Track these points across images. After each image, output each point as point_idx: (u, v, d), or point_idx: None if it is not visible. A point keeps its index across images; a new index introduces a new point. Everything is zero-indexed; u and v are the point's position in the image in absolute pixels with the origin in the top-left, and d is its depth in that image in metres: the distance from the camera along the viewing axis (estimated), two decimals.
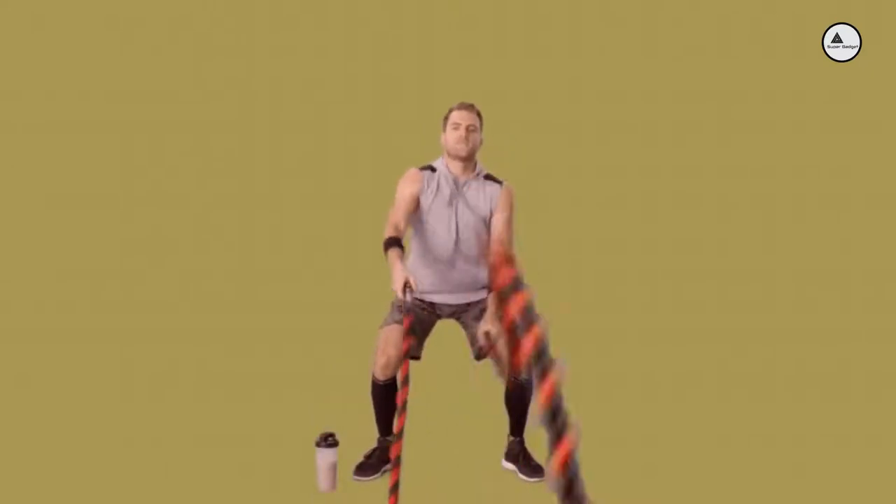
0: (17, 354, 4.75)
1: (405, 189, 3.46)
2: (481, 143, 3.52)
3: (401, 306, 3.47)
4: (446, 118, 3.50)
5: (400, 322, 3.43)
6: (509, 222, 3.50)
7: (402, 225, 3.39)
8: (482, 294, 3.56)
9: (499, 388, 3.60)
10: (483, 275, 3.55)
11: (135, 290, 5.35)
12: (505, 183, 3.54)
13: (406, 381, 2.97)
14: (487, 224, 3.50)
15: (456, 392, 4.31)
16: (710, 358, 4.84)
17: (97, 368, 4.62)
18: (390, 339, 3.41)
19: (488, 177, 3.55)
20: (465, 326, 3.58)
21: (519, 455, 3.54)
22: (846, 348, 4.93)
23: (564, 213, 5.58)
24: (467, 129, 3.44)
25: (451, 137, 3.46)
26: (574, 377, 4.67)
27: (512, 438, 3.59)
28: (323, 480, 3.32)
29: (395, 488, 2.90)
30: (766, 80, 5.62)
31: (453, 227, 3.46)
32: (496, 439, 3.66)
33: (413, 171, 3.50)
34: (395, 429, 2.97)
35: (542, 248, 5.40)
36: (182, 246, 5.50)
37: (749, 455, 3.70)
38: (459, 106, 3.48)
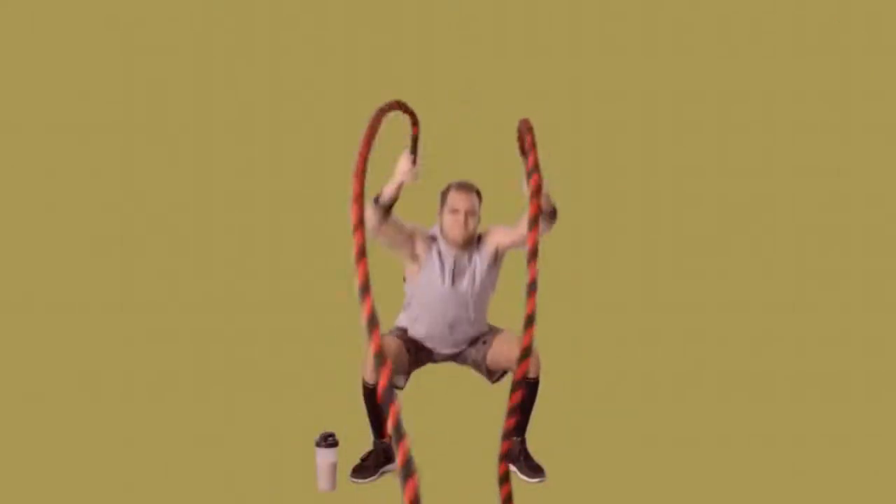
0: (18, 354, 4.75)
1: (414, 226, 3.38)
2: (479, 222, 3.40)
3: (405, 336, 3.48)
4: (444, 196, 3.39)
5: (398, 336, 3.47)
6: (504, 226, 3.45)
7: (391, 190, 3.23)
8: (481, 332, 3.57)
9: (498, 387, 3.60)
10: (483, 327, 3.55)
11: (135, 290, 5.35)
12: (481, 232, 3.46)
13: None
14: (496, 262, 3.46)
15: (455, 392, 4.31)
16: (709, 358, 4.83)
17: (97, 368, 4.62)
18: (384, 346, 3.39)
19: (479, 238, 3.45)
20: (463, 361, 3.62)
21: (519, 455, 3.53)
22: (846, 348, 4.93)
23: (564, 214, 5.56)
24: (466, 214, 3.33)
25: (448, 222, 3.35)
26: (574, 377, 4.69)
27: (513, 438, 3.58)
28: (323, 480, 3.32)
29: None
30: (766, 80, 5.61)
31: (453, 301, 3.41)
32: (495, 439, 3.65)
33: (424, 230, 3.41)
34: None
35: (542, 249, 5.39)
36: (182, 246, 5.50)
37: (749, 455, 3.70)
38: (458, 188, 3.35)
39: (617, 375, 4.63)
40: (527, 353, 2.33)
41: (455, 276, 3.40)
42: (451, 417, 4.07)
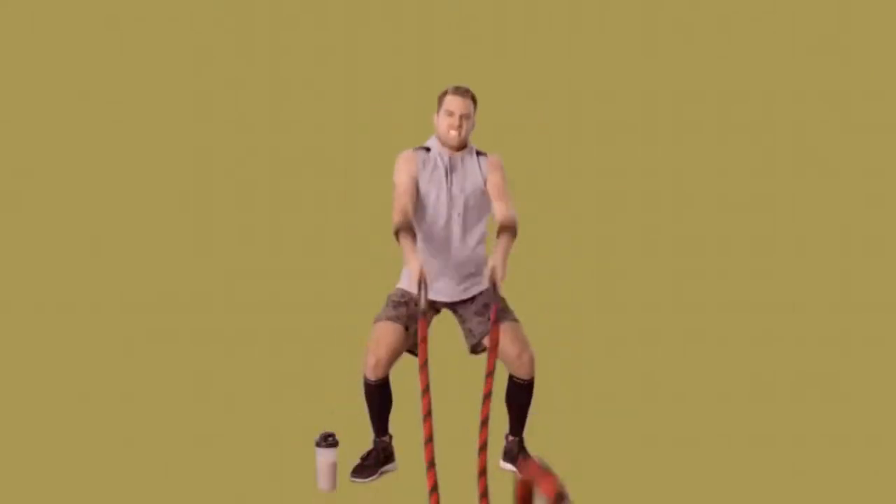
0: (18, 354, 4.75)
1: (404, 171, 3.39)
2: (474, 126, 3.45)
3: (402, 302, 3.44)
4: (441, 99, 3.42)
5: (394, 319, 3.41)
6: (503, 187, 3.43)
7: (409, 208, 3.32)
8: (482, 286, 3.50)
9: (497, 388, 3.60)
10: (483, 253, 3.49)
11: (135, 290, 5.35)
12: (490, 154, 3.50)
13: (426, 389, 2.98)
14: (485, 193, 3.45)
15: (453, 392, 4.31)
16: (710, 358, 4.84)
17: (97, 368, 4.62)
18: (381, 339, 3.39)
19: (479, 152, 3.50)
20: (463, 320, 3.53)
21: (518, 455, 3.53)
22: (846, 348, 4.93)
23: (565, 213, 5.57)
24: (461, 117, 3.36)
25: (444, 123, 3.39)
26: (574, 377, 4.69)
27: (511, 438, 3.58)
28: (323, 480, 3.32)
29: (433, 490, 2.88)
30: (766, 80, 5.62)
31: (451, 203, 3.40)
32: (495, 439, 3.65)
33: (408, 153, 3.43)
34: (423, 434, 2.93)
35: (542, 249, 5.40)
36: (182, 246, 5.50)
37: (749, 455, 3.70)
38: (454, 91, 3.39)
39: (617, 375, 4.63)
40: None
41: (450, 174, 3.41)
42: (448, 417, 4.08)
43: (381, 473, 3.50)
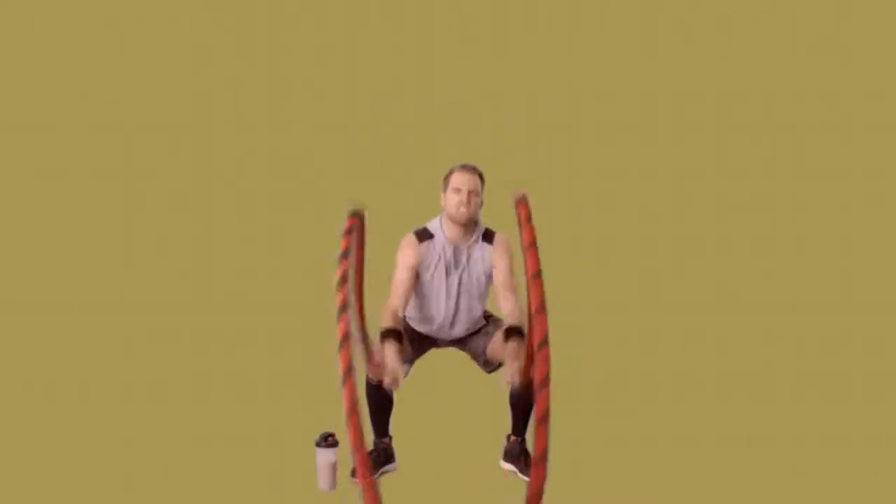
0: (18, 354, 4.75)
1: (405, 264, 3.39)
2: (482, 204, 3.42)
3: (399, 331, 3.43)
4: (447, 179, 3.39)
5: (395, 337, 3.42)
6: (510, 280, 3.41)
7: (401, 311, 3.38)
8: (481, 323, 3.60)
9: (495, 387, 3.60)
10: (480, 318, 3.58)
11: (135, 290, 5.34)
12: (497, 235, 3.47)
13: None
14: (489, 279, 3.48)
15: (453, 391, 4.31)
16: (710, 358, 4.83)
17: (97, 368, 4.62)
18: (386, 353, 3.40)
19: (486, 235, 3.46)
20: (465, 349, 3.64)
21: (520, 455, 3.53)
22: (846, 348, 4.92)
23: (565, 213, 5.57)
24: (469, 194, 3.33)
25: (452, 202, 3.35)
26: (574, 377, 4.68)
27: (513, 438, 3.58)
28: (323, 480, 3.32)
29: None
30: (766, 80, 5.61)
31: (454, 296, 3.45)
32: (494, 439, 3.65)
33: (411, 242, 3.41)
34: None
35: (543, 249, 5.39)
36: (181, 246, 5.49)
37: (749, 455, 3.70)
38: (461, 169, 3.36)
39: (617, 375, 4.62)
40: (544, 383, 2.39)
41: (452, 267, 3.42)
42: (447, 417, 4.08)
43: (382, 473, 3.50)
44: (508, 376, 3.21)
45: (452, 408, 4.18)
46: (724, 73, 5.63)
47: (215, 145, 5.62)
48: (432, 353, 3.73)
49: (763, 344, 4.98)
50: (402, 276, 3.39)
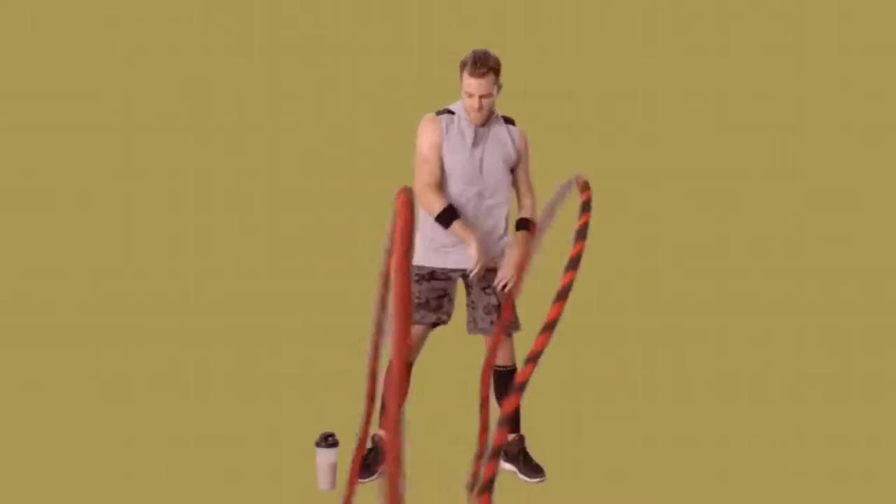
0: (18, 354, 4.75)
1: (427, 141, 3.34)
2: (500, 90, 3.35)
3: (419, 304, 3.37)
4: (461, 73, 3.30)
5: (419, 321, 3.41)
6: (529, 178, 3.49)
7: (440, 185, 3.31)
8: (501, 245, 3.44)
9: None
10: (503, 227, 3.45)
11: (135, 290, 5.34)
12: (520, 129, 3.48)
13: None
14: (511, 165, 3.42)
15: (453, 391, 4.31)
16: (709, 358, 4.83)
17: (97, 368, 4.62)
18: (416, 331, 3.40)
19: (506, 119, 3.46)
20: (471, 301, 3.49)
21: (518, 455, 3.52)
22: (846, 348, 4.92)
23: (565, 213, 5.57)
24: (481, 98, 3.28)
25: (466, 104, 3.32)
26: (574, 377, 4.68)
27: (511, 437, 3.57)
28: (323, 480, 3.32)
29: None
30: (766, 79, 5.61)
31: (477, 172, 3.35)
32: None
33: (431, 118, 3.37)
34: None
35: (543, 249, 5.39)
36: (181, 246, 5.50)
37: (749, 455, 3.70)
38: (472, 72, 3.25)
39: (617, 375, 4.63)
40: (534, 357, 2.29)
41: (475, 144, 3.36)
42: (447, 417, 4.08)
43: (381, 473, 3.50)
44: (503, 271, 3.26)
45: (452, 407, 4.18)
46: (723, 73, 5.63)
47: (215, 145, 5.62)
48: (430, 354, 3.73)
49: (762, 344, 4.98)
50: (427, 151, 3.33)
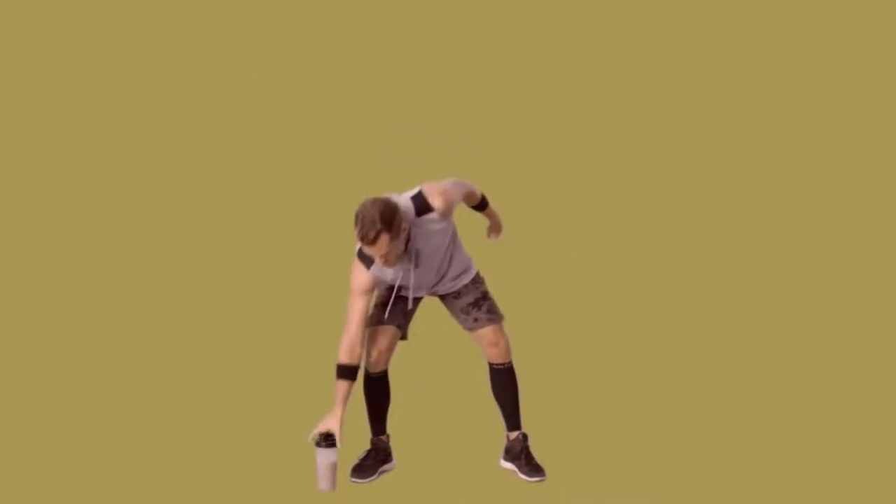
0: (18, 354, 4.75)
1: (356, 289, 3.32)
2: (401, 232, 3.16)
3: (384, 304, 3.44)
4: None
5: (382, 322, 3.44)
6: (448, 191, 3.29)
7: (358, 347, 3.31)
8: (466, 279, 3.48)
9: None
10: (464, 258, 3.48)
11: (135, 290, 5.34)
12: (425, 196, 3.27)
13: None
14: (449, 239, 3.38)
15: (452, 391, 4.31)
16: (709, 358, 4.83)
17: (97, 368, 4.62)
18: (376, 338, 3.45)
19: (419, 212, 3.26)
20: (450, 310, 3.55)
21: (521, 454, 3.51)
22: (846, 348, 4.92)
23: (566, 213, 5.57)
24: (385, 255, 3.17)
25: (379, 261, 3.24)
26: (574, 377, 4.68)
27: (513, 436, 3.55)
28: (323, 480, 3.32)
29: None
30: (766, 80, 5.61)
31: (425, 273, 3.36)
32: (494, 439, 3.65)
33: (357, 267, 3.33)
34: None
35: (542, 248, 5.39)
36: (182, 246, 5.49)
37: (749, 455, 3.69)
38: (362, 239, 3.12)
39: (617, 375, 4.62)
40: None
41: (416, 261, 3.32)
42: (447, 417, 4.08)
43: (381, 473, 3.50)
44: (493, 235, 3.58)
45: (452, 407, 4.17)
46: (723, 72, 5.62)
47: (215, 145, 5.62)
48: (431, 355, 3.73)
49: (762, 344, 4.97)
50: (355, 307, 3.32)
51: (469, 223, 3.63)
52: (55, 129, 5.50)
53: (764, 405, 4.25)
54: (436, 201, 3.24)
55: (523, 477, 3.46)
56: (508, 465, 3.54)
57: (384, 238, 3.10)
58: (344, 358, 3.31)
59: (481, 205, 3.56)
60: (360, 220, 3.11)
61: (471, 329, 3.49)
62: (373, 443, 3.53)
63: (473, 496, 3.33)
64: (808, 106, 5.59)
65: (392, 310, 3.46)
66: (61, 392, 4.35)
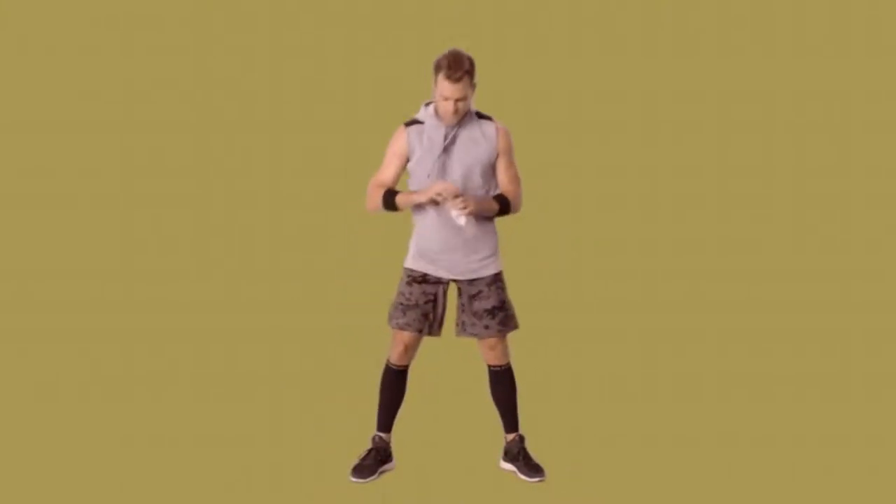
0: (18, 354, 4.75)
1: (390, 150, 3.41)
2: (475, 90, 3.31)
3: (410, 305, 3.38)
4: (436, 76, 3.27)
5: (405, 327, 3.39)
6: (511, 164, 3.39)
7: (389, 181, 3.38)
8: (488, 268, 3.41)
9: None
10: (493, 230, 3.42)
11: (135, 290, 5.34)
12: (496, 122, 3.39)
13: None
14: (487, 164, 3.36)
15: (452, 391, 4.31)
16: (709, 358, 4.83)
17: (97, 368, 4.62)
18: (401, 338, 3.43)
19: (479, 115, 3.39)
20: (462, 308, 3.46)
21: (519, 455, 3.51)
22: (846, 348, 4.92)
23: (565, 213, 5.57)
24: (456, 102, 3.25)
25: (440, 107, 3.30)
26: (574, 377, 4.68)
27: (511, 437, 3.56)
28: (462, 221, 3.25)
29: None
30: (766, 80, 5.61)
31: (447, 176, 3.31)
32: (494, 439, 3.65)
33: (399, 130, 3.40)
34: None
35: (542, 248, 5.40)
36: (182, 246, 5.50)
37: (749, 455, 3.70)
38: (447, 76, 3.22)
39: (617, 375, 4.62)
40: None
41: (446, 149, 3.33)
42: (447, 418, 4.08)
43: (381, 473, 3.50)
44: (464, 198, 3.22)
45: (452, 407, 4.18)
46: (723, 72, 5.62)
47: (215, 145, 5.62)
48: (431, 354, 3.72)
49: (762, 344, 4.97)
50: (385, 161, 3.41)
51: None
52: (55, 129, 5.51)
53: (764, 405, 4.25)
54: (499, 126, 3.39)
55: (523, 477, 3.46)
56: (508, 466, 3.54)
57: (466, 81, 3.24)
58: (377, 196, 3.38)
59: (502, 207, 3.38)
60: (453, 58, 3.24)
61: (477, 335, 3.45)
62: (373, 442, 3.53)
63: (473, 496, 3.33)
64: (808, 106, 5.59)
65: (411, 313, 3.41)
66: (61, 392, 4.35)
